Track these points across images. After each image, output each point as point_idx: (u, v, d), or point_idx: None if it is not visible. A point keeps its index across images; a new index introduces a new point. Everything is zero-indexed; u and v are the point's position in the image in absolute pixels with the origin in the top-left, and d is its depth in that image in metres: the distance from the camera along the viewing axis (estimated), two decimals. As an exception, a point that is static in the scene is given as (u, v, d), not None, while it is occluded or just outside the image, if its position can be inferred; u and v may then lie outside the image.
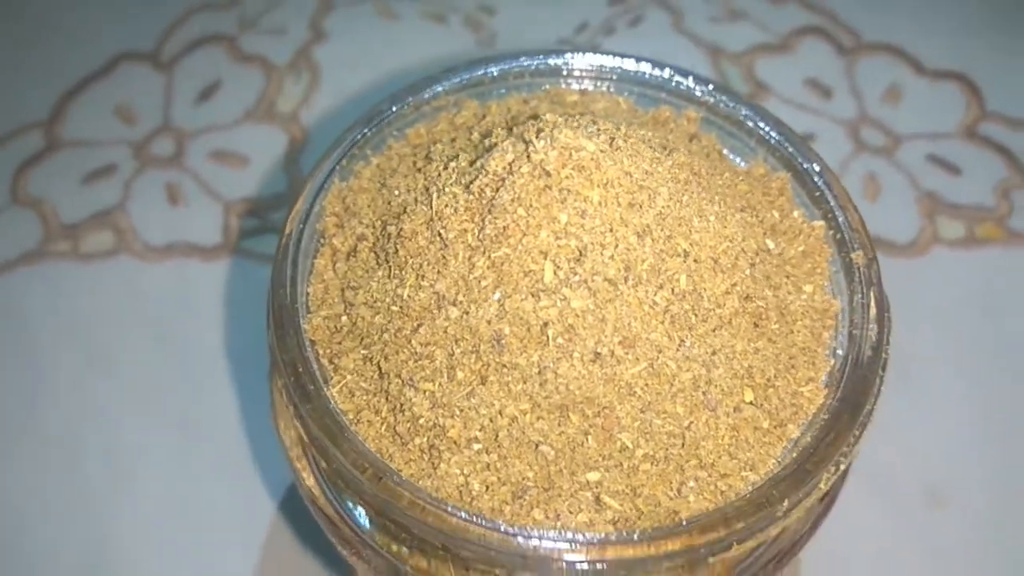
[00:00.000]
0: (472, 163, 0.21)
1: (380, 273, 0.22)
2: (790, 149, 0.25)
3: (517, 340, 0.20)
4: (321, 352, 0.23)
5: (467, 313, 0.20)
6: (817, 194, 0.25)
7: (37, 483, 0.38)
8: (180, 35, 0.52)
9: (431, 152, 0.24)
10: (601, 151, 0.20)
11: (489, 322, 0.20)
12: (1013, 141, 0.49)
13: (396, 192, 0.23)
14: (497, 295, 0.20)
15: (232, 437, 0.39)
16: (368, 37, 0.52)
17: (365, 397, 0.22)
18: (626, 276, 0.20)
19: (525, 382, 0.20)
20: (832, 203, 0.24)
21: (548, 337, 0.19)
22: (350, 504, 0.22)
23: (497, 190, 0.20)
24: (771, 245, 0.23)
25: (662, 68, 0.26)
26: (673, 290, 0.20)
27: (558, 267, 0.20)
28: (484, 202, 0.20)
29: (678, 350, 0.20)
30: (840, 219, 0.24)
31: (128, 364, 0.41)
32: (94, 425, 0.40)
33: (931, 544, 0.37)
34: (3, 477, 0.38)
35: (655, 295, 0.20)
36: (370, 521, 0.22)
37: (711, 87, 0.26)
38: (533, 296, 0.20)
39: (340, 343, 0.23)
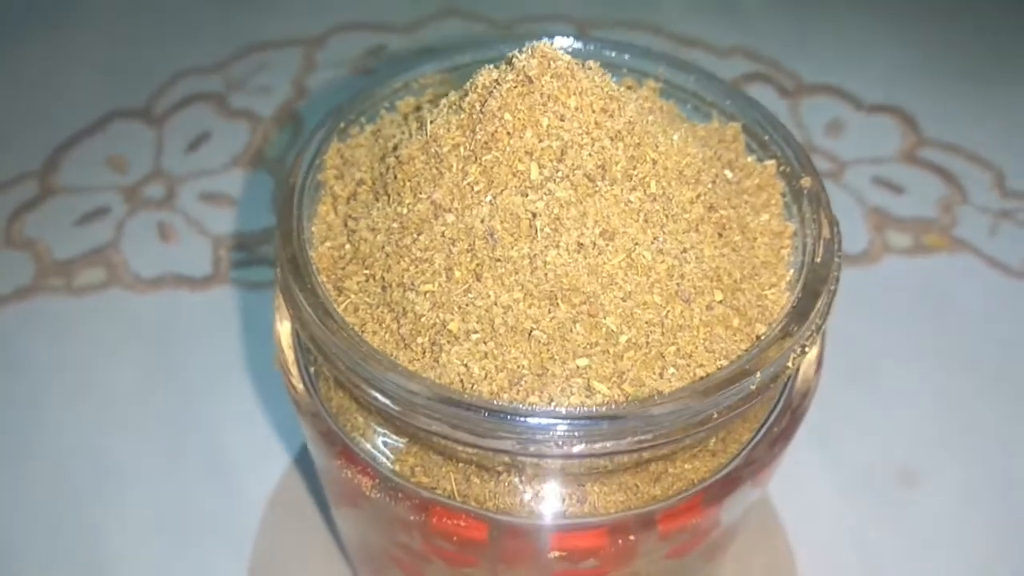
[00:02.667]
0: (462, 97, 0.24)
1: (380, 203, 0.25)
2: (740, 105, 0.28)
3: (508, 234, 0.22)
4: (326, 279, 0.25)
5: (462, 216, 0.22)
6: (766, 138, 0.28)
7: (27, 497, 0.39)
8: (170, 94, 0.55)
9: (422, 109, 0.27)
10: (576, 64, 0.22)
11: (482, 221, 0.22)
12: (950, 163, 0.53)
13: (392, 137, 0.26)
14: (489, 197, 0.22)
15: (219, 443, 0.40)
16: (347, 91, 0.55)
17: (369, 311, 0.23)
18: (603, 174, 0.22)
19: (517, 273, 0.22)
20: (780, 142, 0.27)
21: (536, 228, 0.22)
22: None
23: (485, 102, 0.22)
24: (729, 175, 0.26)
25: (624, 48, 0.30)
26: (645, 191, 0.23)
27: (542, 166, 0.22)
28: (474, 116, 0.22)
29: (652, 244, 0.23)
30: (788, 155, 0.27)
31: (117, 386, 0.42)
32: (84, 442, 0.40)
33: (906, 518, 0.39)
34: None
35: (629, 194, 0.22)
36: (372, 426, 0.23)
37: (666, 62, 0.29)
38: (521, 193, 0.22)
39: (344, 268, 0.24)
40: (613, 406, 0.21)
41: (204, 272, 0.47)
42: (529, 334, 0.22)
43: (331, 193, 0.26)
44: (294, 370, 0.26)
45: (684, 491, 0.25)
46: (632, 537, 0.25)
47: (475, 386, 0.22)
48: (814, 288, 0.24)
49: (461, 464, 0.24)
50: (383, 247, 0.23)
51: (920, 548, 0.38)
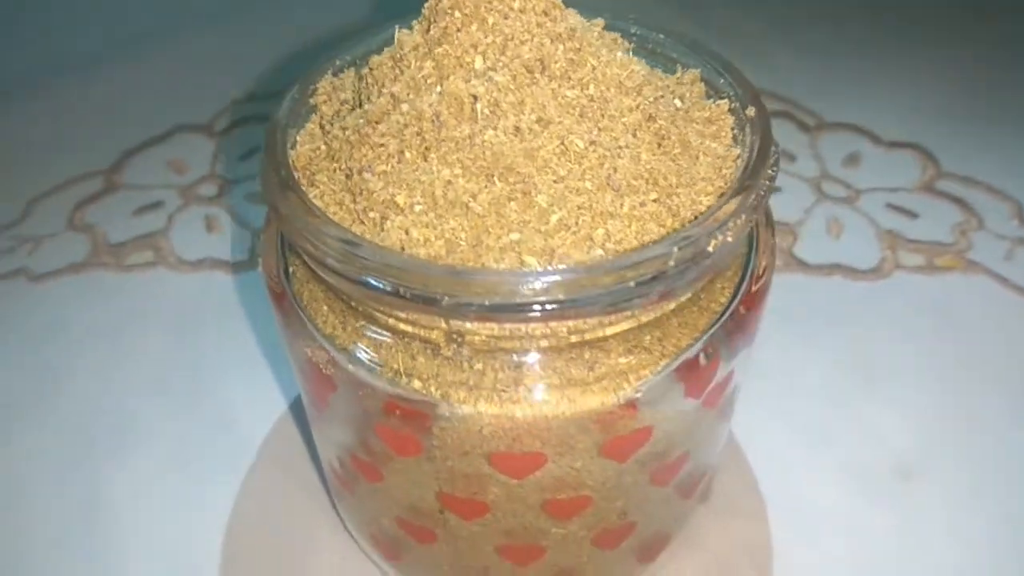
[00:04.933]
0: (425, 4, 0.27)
1: (354, 111, 0.28)
2: (702, 57, 0.31)
3: (452, 117, 0.24)
4: (302, 176, 0.27)
5: (414, 104, 0.25)
6: (721, 81, 0.30)
7: (48, 445, 0.42)
8: (230, 114, 0.61)
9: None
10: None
11: (431, 106, 0.25)
12: (968, 194, 0.54)
13: (372, 65, 0.29)
14: (439, 87, 0.25)
15: (228, 404, 0.43)
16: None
17: (333, 196, 0.26)
18: (542, 68, 0.25)
19: (459, 151, 0.24)
20: (733, 85, 0.29)
21: (477, 111, 0.24)
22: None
23: (439, 2, 0.25)
24: (678, 103, 0.28)
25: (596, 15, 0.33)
26: (583, 91, 0.25)
27: (486, 57, 0.25)
28: (430, 17, 0.26)
29: (586, 135, 0.25)
30: (740, 93, 0.29)
31: (147, 351, 0.46)
32: (108, 400, 0.43)
33: (896, 522, 0.38)
34: (19, 445, 0.41)
35: (567, 90, 0.25)
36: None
37: (637, 26, 0.32)
38: (465, 80, 0.25)
39: (317, 164, 0.27)
40: (539, 269, 0.23)
41: (241, 258, 0.50)
42: (466, 207, 0.24)
43: (320, 112, 0.30)
44: (273, 270, 0.29)
45: (618, 385, 0.26)
46: (570, 428, 0.26)
47: (414, 250, 0.24)
48: (742, 184, 0.25)
49: (406, 340, 0.26)
50: (349, 140, 0.26)
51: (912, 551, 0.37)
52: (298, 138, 0.29)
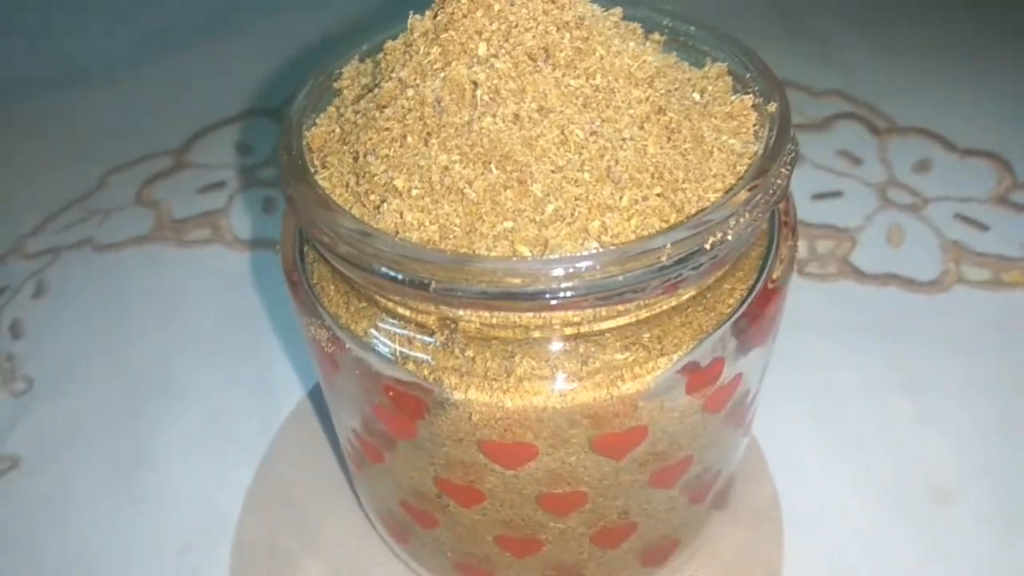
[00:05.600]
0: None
1: (367, 96, 0.28)
2: (730, 50, 0.30)
3: (454, 103, 0.25)
4: (316, 158, 0.28)
5: (419, 89, 0.25)
6: (747, 76, 0.29)
7: (97, 399, 0.44)
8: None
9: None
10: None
11: (433, 91, 0.25)
12: (1047, 208, 0.50)
13: (386, 50, 0.29)
14: (443, 73, 0.25)
15: (267, 372, 0.44)
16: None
17: (341, 178, 0.27)
18: (545, 56, 0.24)
19: (458, 137, 0.24)
20: (759, 79, 0.28)
21: (477, 97, 0.24)
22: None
23: (450, -9, 0.25)
24: (697, 97, 0.28)
25: (636, 5, 0.32)
26: (588, 80, 0.25)
27: (490, 44, 0.25)
28: (440, 4, 0.26)
29: (587, 126, 0.24)
30: (764, 88, 0.28)
31: (198, 320, 0.48)
32: (158, 362, 0.45)
33: (926, 537, 0.36)
34: (78, 397, 0.43)
35: (571, 79, 0.25)
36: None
37: (669, 17, 0.31)
38: (468, 66, 0.25)
39: (331, 147, 0.28)
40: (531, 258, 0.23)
41: (292, 240, 0.52)
42: (461, 193, 0.24)
43: (341, 96, 0.30)
44: (288, 250, 0.30)
45: (611, 381, 0.25)
46: (560, 421, 0.26)
47: (408, 233, 0.24)
48: (749, 181, 0.24)
49: (403, 324, 0.26)
50: (357, 124, 0.27)
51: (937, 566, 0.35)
52: (318, 120, 0.29)
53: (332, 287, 0.28)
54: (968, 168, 0.53)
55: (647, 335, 0.26)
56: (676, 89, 0.27)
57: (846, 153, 0.55)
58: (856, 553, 0.36)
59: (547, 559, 0.31)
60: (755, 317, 0.27)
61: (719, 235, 0.24)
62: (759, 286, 0.28)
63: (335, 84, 0.31)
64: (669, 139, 0.26)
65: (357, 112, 0.27)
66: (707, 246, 0.24)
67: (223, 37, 0.68)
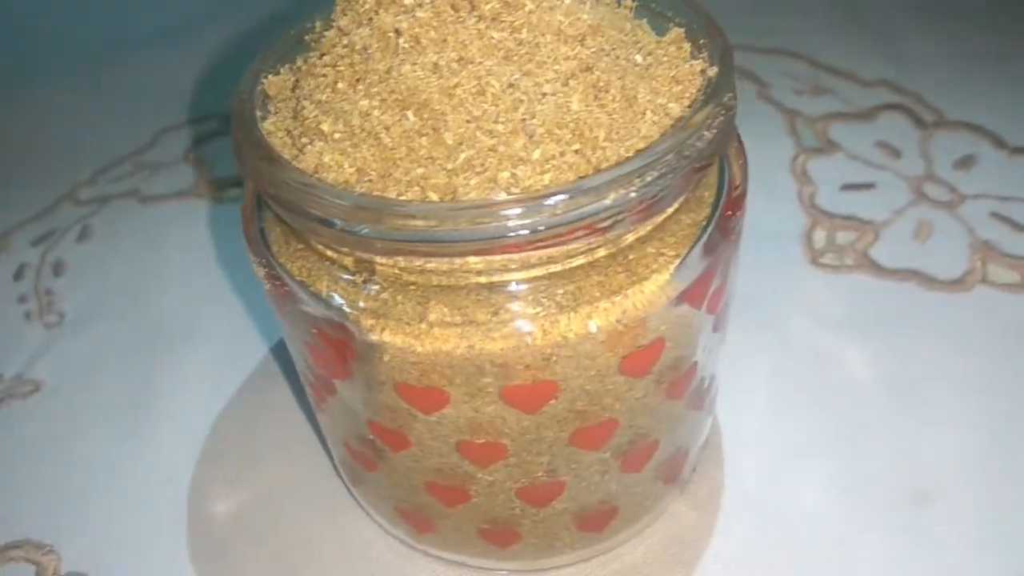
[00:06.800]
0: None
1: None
2: (693, 17, 0.29)
3: (379, 50, 0.25)
4: (272, 103, 0.29)
5: (352, 36, 0.26)
6: (701, 42, 0.29)
7: (122, 336, 0.47)
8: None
9: None
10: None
11: (362, 39, 0.26)
12: (1095, 213, 0.47)
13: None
14: (373, 21, 0.26)
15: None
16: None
17: (283, 123, 0.28)
18: (470, 8, 0.25)
19: (380, 84, 0.25)
20: (710, 45, 0.28)
21: (398, 44, 0.25)
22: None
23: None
24: (639, 59, 0.27)
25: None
26: (512, 34, 0.25)
27: (419, -5, 0.25)
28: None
29: (505, 78, 0.25)
30: (713, 53, 0.28)
31: (217, 270, 0.50)
32: (181, 304, 0.48)
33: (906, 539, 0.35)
34: (101, 333, 0.47)
35: (494, 32, 0.25)
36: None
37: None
38: (395, 15, 0.25)
39: (284, 94, 0.29)
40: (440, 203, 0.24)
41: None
42: (378, 138, 0.25)
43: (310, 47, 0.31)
44: (250, 199, 0.31)
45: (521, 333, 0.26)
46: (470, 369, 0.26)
47: (325, 174, 0.25)
48: (674, 136, 0.24)
49: (328, 264, 0.27)
50: (302, 71, 0.28)
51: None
52: (282, 70, 0.31)
53: (278, 229, 0.30)
54: (1016, 167, 0.50)
55: (561, 291, 0.26)
56: (613, 49, 0.27)
57: (886, 145, 0.52)
58: (813, 549, 0.35)
59: (478, 511, 0.32)
60: (688, 285, 0.27)
61: (621, 192, 0.24)
62: (691, 254, 0.27)
63: (306, 37, 0.32)
64: (596, 98, 0.26)
65: (306, 61, 0.29)
66: (607, 201, 0.24)
67: (282, 8, 0.71)
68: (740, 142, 0.31)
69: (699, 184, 0.29)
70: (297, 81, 0.29)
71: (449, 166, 0.25)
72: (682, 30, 0.30)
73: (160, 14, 0.71)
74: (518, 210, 0.23)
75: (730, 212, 0.29)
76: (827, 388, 0.40)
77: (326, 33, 0.31)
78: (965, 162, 0.51)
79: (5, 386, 0.45)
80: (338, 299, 0.27)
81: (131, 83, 0.66)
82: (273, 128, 0.28)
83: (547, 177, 0.25)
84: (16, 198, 0.57)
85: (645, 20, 0.31)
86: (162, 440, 0.42)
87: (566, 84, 0.26)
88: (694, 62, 0.28)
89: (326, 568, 0.36)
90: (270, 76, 0.30)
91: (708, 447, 0.38)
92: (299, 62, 0.30)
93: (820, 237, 0.48)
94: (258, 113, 0.28)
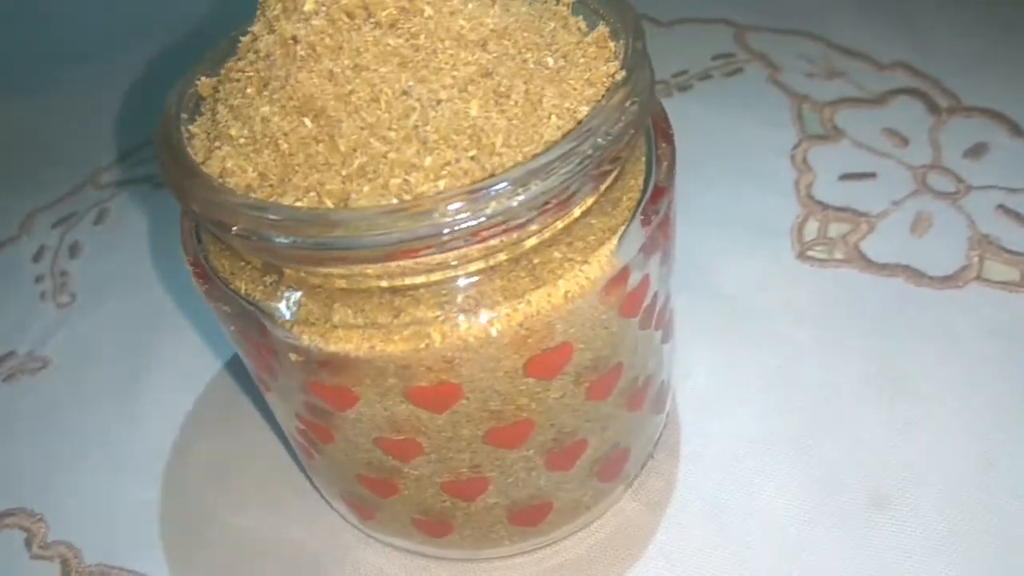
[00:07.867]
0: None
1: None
2: (616, 15, 0.29)
3: (281, 56, 0.26)
4: (206, 104, 0.30)
5: (260, 43, 0.27)
6: (621, 42, 0.28)
7: (122, 316, 0.49)
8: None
9: None
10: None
11: (266, 45, 0.26)
12: (1110, 206, 0.45)
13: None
14: (276, 28, 0.26)
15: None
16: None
17: (204, 126, 0.29)
18: (366, 16, 0.25)
19: (281, 90, 0.26)
20: (627, 44, 0.28)
21: (296, 52, 0.25)
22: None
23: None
24: (551, 62, 0.27)
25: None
26: (409, 40, 0.25)
27: (318, 3, 0.26)
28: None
29: (398, 85, 0.25)
30: (628, 55, 0.27)
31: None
32: (178, 288, 0.51)
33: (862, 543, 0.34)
34: (105, 311, 0.49)
35: (390, 38, 0.25)
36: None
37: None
38: (294, 22, 0.26)
39: (212, 96, 0.30)
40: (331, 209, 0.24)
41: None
42: (276, 144, 0.26)
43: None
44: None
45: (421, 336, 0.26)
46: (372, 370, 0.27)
47: (229, 179, 0.26)
48: (567, 142, 0.24)
49: (244, 264, 0.28)
50: (223, 77, 0.29)
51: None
52: (218, 73, 0.32)
53: (211, 243, 0.31)
54: (1030, 156, 0.48)
55: (461, 296, 0.26)
56: (520, 53, 0.27)
57: (894, 132, 0.50)
58: (763, 547, 0.34)
59: (410, 503, 0.32)
60: (599, 289, 0.27)
61: (505, 202, 0.24)
62: (600, 257, 0.27)
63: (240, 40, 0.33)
64: (496, 103, 0.26)
65: (229, 70, 0.29)
66: (487, 211, 0.24)
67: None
68: (670, 141, 0.31)
69: (614, 186, 0.28)
70: (219, 84, 0.30)
71: (344, 172, 0.25)
72: (607, 29, 0.29)
73: (183, 2, 0.73)
74: (405, 218, 0.23)
75: (648, 215, 0.28)
76: (798, 387, 0.39)
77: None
78: (976, 150, 0.48)
79: (18, 362, 0.48)
80: (255, 298, 0.28)
81: (152, 76, 0.68)
82: (197, 130, 0.29)
83: (442, 183, 0.25)
84: (45, 183, 0.60)
85: (581, 17, 0.31)
86: (151, 416, 0.44)
87: (464, 90, 0.26)
88: (607, 65, 0.28)
89: (295, 549, 0.37)
90: (203, 78, 0.31)
91: (663, 445, 0.38)
92: (228, 65, 0.31)
93: (811, 229, 0.46)
94: (184, 116, 0.29)
